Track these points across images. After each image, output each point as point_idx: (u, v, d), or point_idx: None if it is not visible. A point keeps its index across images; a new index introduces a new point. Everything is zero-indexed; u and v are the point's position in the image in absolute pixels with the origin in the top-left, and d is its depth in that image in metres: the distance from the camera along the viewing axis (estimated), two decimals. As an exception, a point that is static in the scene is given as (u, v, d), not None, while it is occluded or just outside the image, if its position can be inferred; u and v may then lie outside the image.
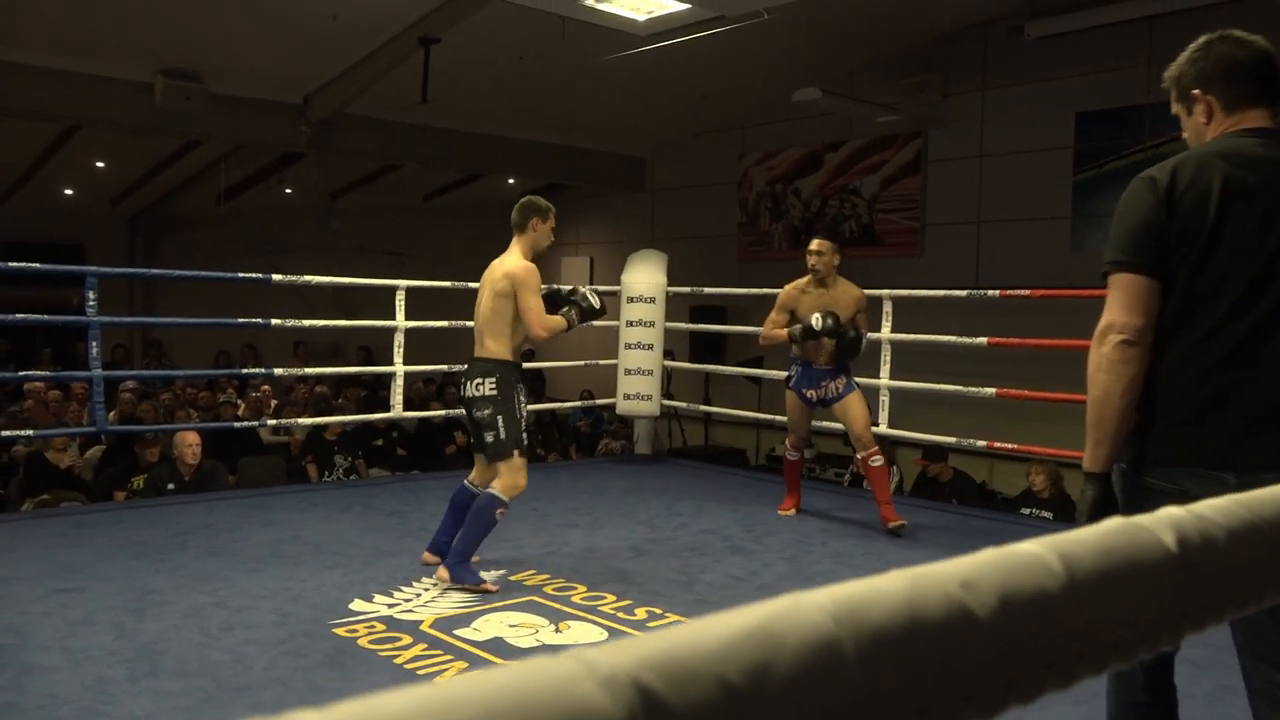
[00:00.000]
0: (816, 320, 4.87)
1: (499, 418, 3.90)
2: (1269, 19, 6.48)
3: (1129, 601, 0.36)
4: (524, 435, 3.98)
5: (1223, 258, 1.81)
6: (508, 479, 3.91)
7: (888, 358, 5.96)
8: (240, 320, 6.21)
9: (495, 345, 3.95)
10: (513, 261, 4.00)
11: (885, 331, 5.95)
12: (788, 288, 5.19)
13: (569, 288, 4.36)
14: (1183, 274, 1.83)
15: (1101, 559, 0.36)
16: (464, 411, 4.11)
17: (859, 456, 5.23)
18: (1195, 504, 0.43)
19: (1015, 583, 0.33)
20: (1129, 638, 0.36)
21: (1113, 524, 0.40)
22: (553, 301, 4.17)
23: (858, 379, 5.26)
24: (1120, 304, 1.85)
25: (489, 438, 3.92)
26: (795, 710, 0.25)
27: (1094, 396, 1.87)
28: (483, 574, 4.02)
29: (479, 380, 3.94)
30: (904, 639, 0.28)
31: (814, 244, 5.10)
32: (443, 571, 3.98)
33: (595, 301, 4.19)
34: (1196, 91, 1.94)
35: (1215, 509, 0.43)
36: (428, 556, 4.23)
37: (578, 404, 9.24)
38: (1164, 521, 0.40)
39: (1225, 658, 3.29)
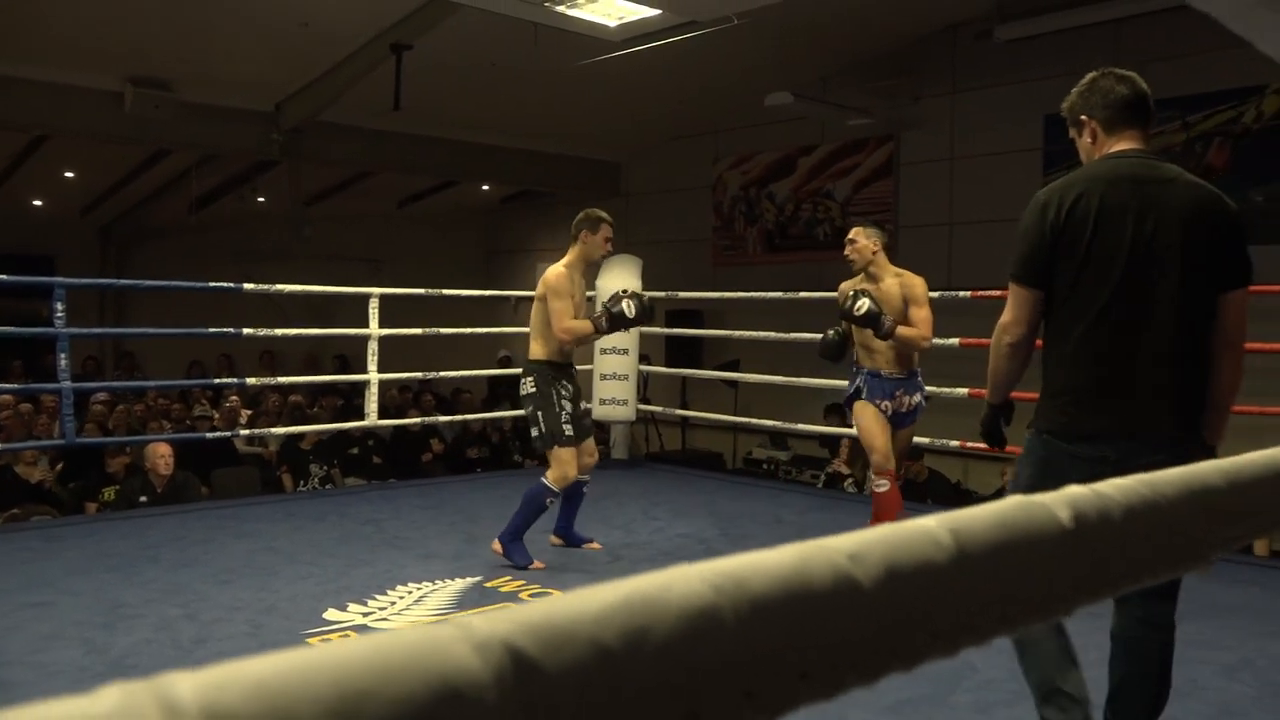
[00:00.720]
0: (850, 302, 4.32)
1: (539, 414, 4.25)
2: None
3: (1020, 575, 0.38)
4: (566, 429, 4.26)
5: (1099, 266, 2.19)
6: (555, 470, 4.25)
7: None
8: (212, 330, 6.18)
9: (536, 347, 4.30)
10: (550, 269, 4.29)
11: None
12: (841, 287, 4.60)
13: (618, 291, 4.48)
14: (1068, 281, 2.23)
15: (994, 533, 0.38)
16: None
17: (873, 478, 4.60)
18: (1098, 483, 0.45)
19: (903, 555, 0.34)
20: (1018, 609, 0.37)
21: (1011, 501, 0.42)
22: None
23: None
24: (1012, 310, 2.34)
25: (533, 432, 4.29)
26: (669, 671, 0.26)
27: (990, 369, 2.44)
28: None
29: (523, 380, 4.32)
30: (786, 607, 0.30)
31: (850, 233, 4.57)
32: (496, 545, 4.38)
33: (630, 311, 4.34)
34: (1084, 118, 2.33)
35: (1116, 487, 0.44)
36: (554, 539, 4.66)
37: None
38: (1062, 499, 0.42)
39: (1196, 652, 3.33)
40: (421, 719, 0.22)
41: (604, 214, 4.40)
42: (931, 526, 0.36)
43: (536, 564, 4.31)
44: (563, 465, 4.25)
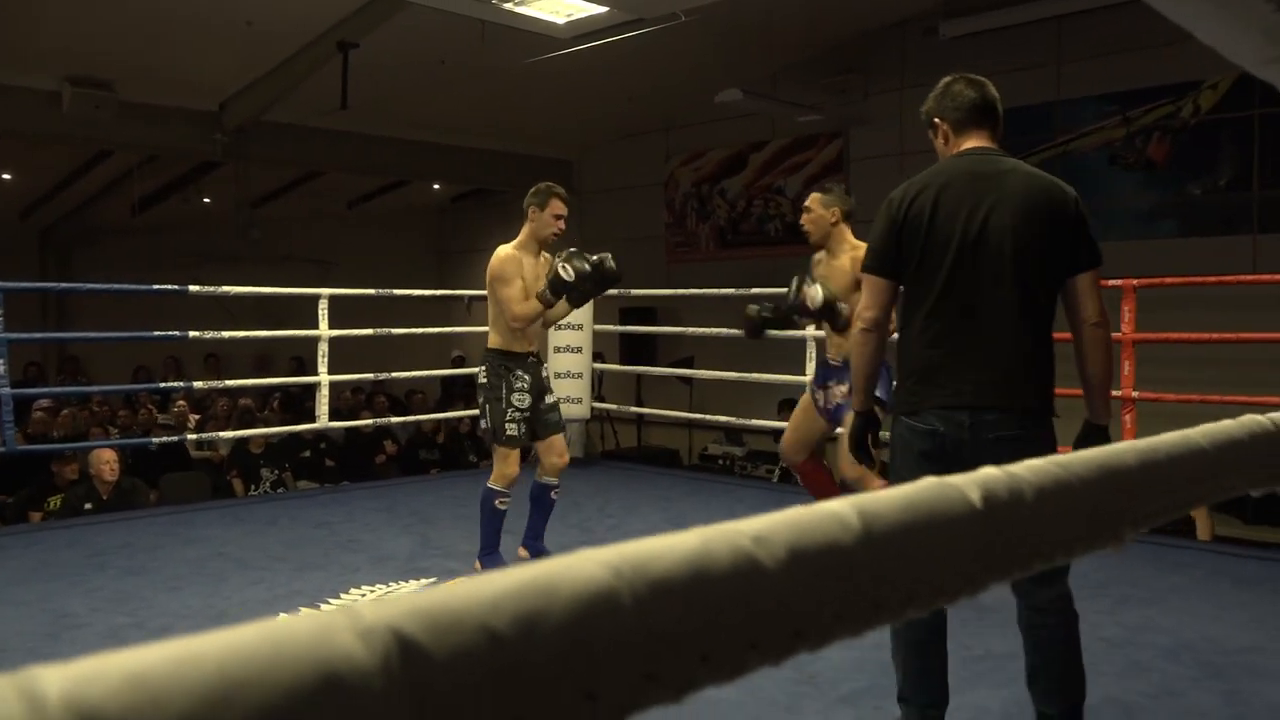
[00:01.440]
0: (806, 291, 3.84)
1: (486, 406, 3.98)
2: (1163, 16, 6.73)
3: (928, 555, 0.38)
4: (509, 427, 3.96)
5: (934, 255, 2.32)
6: (497, 468, 4.04)
7: (813, 354, 6.04)
8: (157, 333, 6.06)
9: (491, 335, 4.06)
10: (497, 249, 4.01)
11: (811, 329, 6.03)
12: (814, 260, 4.16)
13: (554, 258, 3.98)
14: (910, 271, 2.37)
15: (902, 514, 0.38)
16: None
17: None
18: (1011, 464, 0.45)
19: (807, 536, 0.34)
20: (926, 589, 0.38)
21: (923, 483, 0.42)
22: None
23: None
24: (865, 298, 2.49)
25: (480, 425, 4.06)
26: (563, 655, 0.26)
27: (852, 364, 2.57)
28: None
29: (479, 370, 4.07)
30: (687, 589, 0.30)
31: (808, 199, 4.14)
32: (477, 564, 4.19)
33: (567, 273, 3.85)
34: (936, 120, 2.47)
35: (1028, 468, 0.45)
36: (522, 551, 4.37)
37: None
38: (973, 480, 0.43)
39: (1138, 635, 3.41)
40: (302, 708, 0.22)
41: (556, 187, 3.99)
42: (838, 509, 0.37)
43: None
44: (502, 462, 4.00)
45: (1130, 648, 3.27)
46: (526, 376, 4.02)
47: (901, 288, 2.44)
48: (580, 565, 0.28)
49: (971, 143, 2.41)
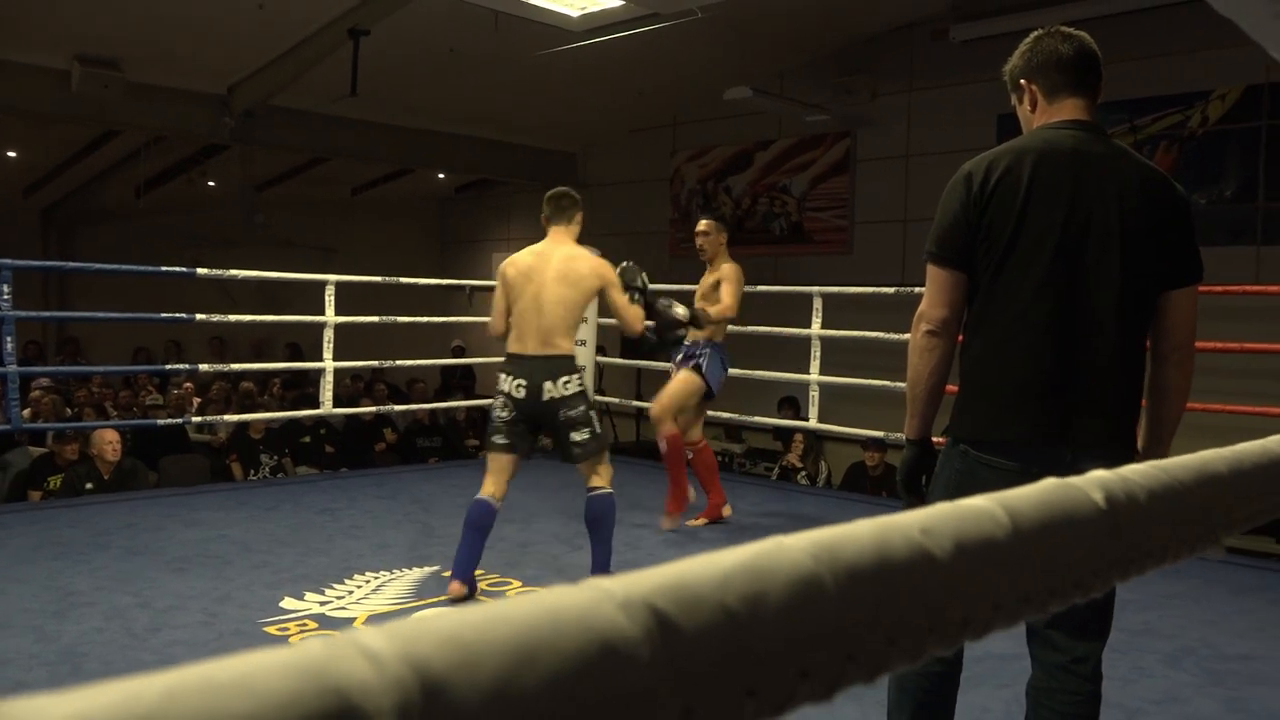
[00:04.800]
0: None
1: (592, 414, 3.80)
2: (1180, 25, 6.76)
3: (1065, 551, 0.40)
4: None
5: (1026, 250, 1.90)
6: (608, 470, 3.86)
7: (817, 354, 6.07)
8: (163, 315, 6.07)
9: (566, 342, 3.75)
10: (594, 258, 3.89)
11: (815, 328, 6.05)
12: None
13: (635, 279, 4.23)
14: (991, 266, 1.93)
15: (1041, 512, 0.40)
16: (517, 413, 3.78)
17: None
18: (1120, 468, 0.47)
19: (968, 530, 0.36)
20: (1065, 584, 0.40)
21: (1048, 484, 0.44)
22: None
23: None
24: (929, 295, 2.00)
25: (582, 435, 3.75)
26: (785, 634, 0.28)
27: (909, 376, 2.04)
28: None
29: (565, 379, 3.73)
30: (875, 576, 0.32)
31: (700, 224, 5.02)
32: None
33: (680, 314, 4.37)
34: (1023, 81, 2.03)
35: (1137, 472, 0.47)
36: (455, 586, 3.85)
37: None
38: (1093, 481, 0.44)
39: (1140, 640, 3.44)
40: (585, 673, 0.23)
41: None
42: (987, 505, 0.39)
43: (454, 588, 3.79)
44: (609, 463, 3.89)
45: (1133, 653, 3.31)
46: None
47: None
48: (786, 550, 0.30)
49: (1068, 112, 1.97)
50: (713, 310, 4.78)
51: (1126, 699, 2.92)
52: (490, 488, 3.81)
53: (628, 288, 4.09)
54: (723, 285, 4.81)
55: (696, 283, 5.17)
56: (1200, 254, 1.99)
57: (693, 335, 4.87)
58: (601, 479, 3.83)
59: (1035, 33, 2.04)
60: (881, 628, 0.31)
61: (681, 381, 4.89)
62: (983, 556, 0.36)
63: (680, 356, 5.01)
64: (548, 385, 3.72)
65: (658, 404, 4.93)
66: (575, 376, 3.77)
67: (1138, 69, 7.16)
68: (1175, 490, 0.48)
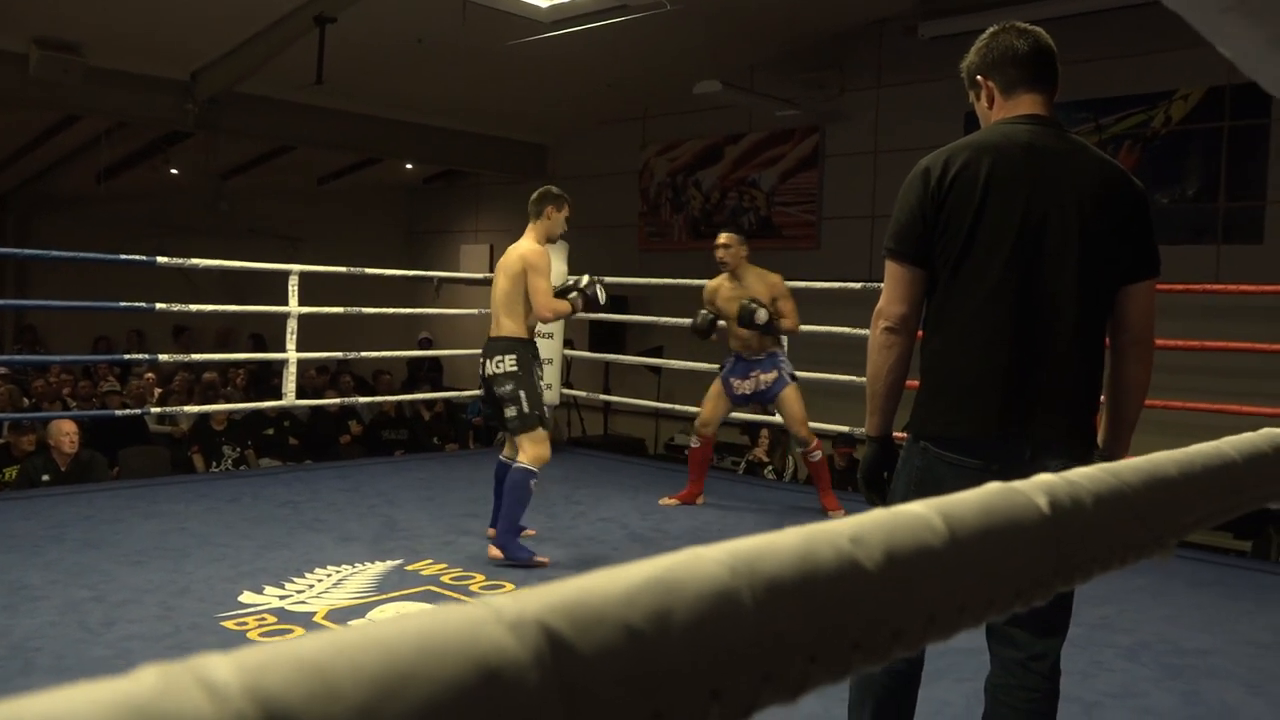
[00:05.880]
0: (740, 307, 5.03)
1: (520, 392, 4.09)
2: (1144, 25, 6.81)
3: (1007, 558, 0.39)
4: (544, 408, 4.23)
5: (985, 244, 1.89)
6: (532, 450, 4.09)
7: (785, 347, 6.06)
8: (123, 304, 5.96)
9: (512, 324, 4.15)
10: (526, 245, 4.20)
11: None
12: (707, 286, 5.38)
13: (582, 278, 4.46)
14: (950, 260, 1.92)
15: (981, 519, 0.38)
16: (483, 390, 4.27)
17: (798, 451, 5.39)
18: (1067, 471, 0.46)
19: (901, 538, 0.35)
20: (1006, 593, 0.38)
21: (990, 488, 0.42)
22: (561, 292, 4.37)
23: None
24: (888, 291, 1.99)
25: (512, 412, 4.10)
26: (695, 653, 0.26)
27: (869, 373, 2.03)
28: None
29: (499, 358, 4.12)
30: (798, 589, 0.30)
31: (721, 238, 5.22)
32: (494, 550, 4.17)
33: (602, 296, 4.40)
34: (980, 77, 2.03)
35: (1084, 476, 0.46)
36: (492, 532, 4.31)
37: (477, 393, 9.15)
38: (1038, 486, 0.43)
39: (1099, 635, 3.47)
40: (466, 701, 0.21)
41: (561, 191, 4.42)
42: (924, 512, 0.37)
43: (540, 560, 4.13)
44: (539, 445, 4.11)
45: (1091, 647, 3.33)
46: (540, 364, 4.29)
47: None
48: (701, 563, 0.28)
49: (1026, 108, 1.96)
50: (784, 323, 5.13)
51: (1085, 693, 2.94)
52: (507, 449, 4.39)
53: (573, 288, 4.36)
54: (780, 302, 5.11)
55: (663, 277, 5.28)
56: (1158, 248, 1.99)
57: (741, 344, 5.22)
58: (525, 455, 4.10)
59: (991, 29, 2.04)
60: (804, 644, 0.29)
61: (796, 398, 5.20)
62: (917, 566, 0.34)
63: (734, 366, 5.30)
64: (488, 364, 4.17)
65: (802, 427, 5.19)
66: (510, 357, 4.12)
67: (1102, 69, 7.22)
68: (1123, 494, 0.46)
